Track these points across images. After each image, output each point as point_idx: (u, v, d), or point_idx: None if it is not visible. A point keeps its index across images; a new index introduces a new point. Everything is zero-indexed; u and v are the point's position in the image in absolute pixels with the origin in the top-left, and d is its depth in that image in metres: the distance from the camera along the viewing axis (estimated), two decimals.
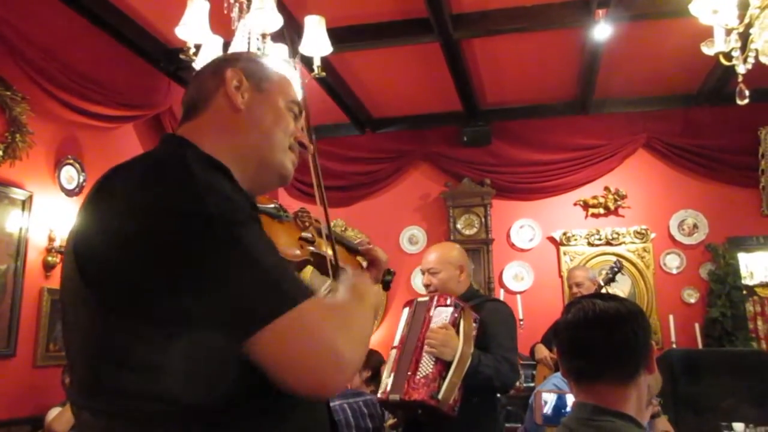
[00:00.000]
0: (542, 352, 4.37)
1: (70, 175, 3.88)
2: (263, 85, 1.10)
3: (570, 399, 1.90)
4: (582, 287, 4.23)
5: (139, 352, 0.79)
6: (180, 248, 0.77)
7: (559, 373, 2.71)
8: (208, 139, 1.01)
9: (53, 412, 3.20)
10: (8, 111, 3.42)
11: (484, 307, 2.50)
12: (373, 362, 3.76)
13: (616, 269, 4.26)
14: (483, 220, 5.70)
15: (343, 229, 5.83)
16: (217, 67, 1.09)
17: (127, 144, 4.40)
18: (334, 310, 0.88)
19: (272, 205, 1.31)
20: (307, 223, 1.35)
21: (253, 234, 0.83)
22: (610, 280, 4.24)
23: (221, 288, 0.76)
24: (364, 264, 1.45)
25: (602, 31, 4.24)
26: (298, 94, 1.18)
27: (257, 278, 0.79)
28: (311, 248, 1.31)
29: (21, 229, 3.52)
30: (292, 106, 1.13)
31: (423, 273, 2.65)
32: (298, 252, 1.28)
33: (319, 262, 1.32)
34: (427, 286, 2.62)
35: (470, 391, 2.26)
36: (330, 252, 1.24)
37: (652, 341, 1.34)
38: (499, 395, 2.54)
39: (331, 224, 1.39)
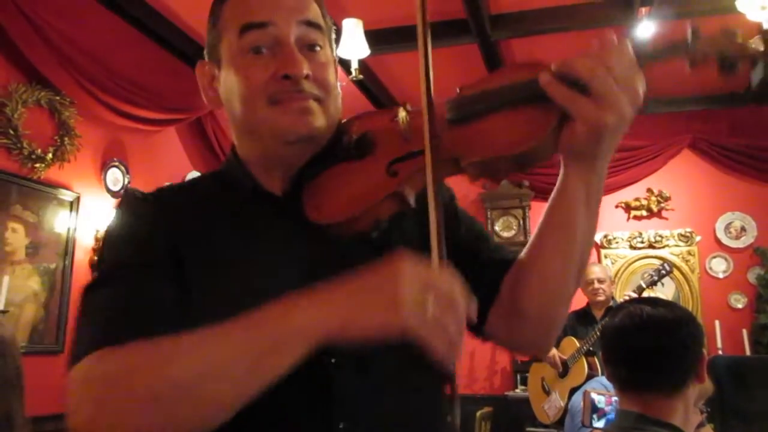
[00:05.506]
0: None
1: (115, 177, 3.99)
2: (219, 55, 0.87)
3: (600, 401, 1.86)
4: (604, 284, 4.07)
5: None
6: None
7: (601, 377, 2.65)
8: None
9: None
10: (57, 115, 3.54)
11: None
12: None
13: (664, 272, 4.05)
14: (521, 222, 5.63)
15: None
16: None
17: (170, 147, 4.50)
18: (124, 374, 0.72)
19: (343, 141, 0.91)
20: (408, 135, 0.85)
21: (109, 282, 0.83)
22: (653, 283, 4.05)
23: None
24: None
25: (645, 29, 4.14)
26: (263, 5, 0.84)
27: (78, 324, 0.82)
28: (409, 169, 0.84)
29: (69, 229, 3.62)
30: (245, 37, 0.82)
31: None
32: (381, 190, 0.83)
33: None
34: None
35: None
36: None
37: (704, 349, 1.27)
38: None
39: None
